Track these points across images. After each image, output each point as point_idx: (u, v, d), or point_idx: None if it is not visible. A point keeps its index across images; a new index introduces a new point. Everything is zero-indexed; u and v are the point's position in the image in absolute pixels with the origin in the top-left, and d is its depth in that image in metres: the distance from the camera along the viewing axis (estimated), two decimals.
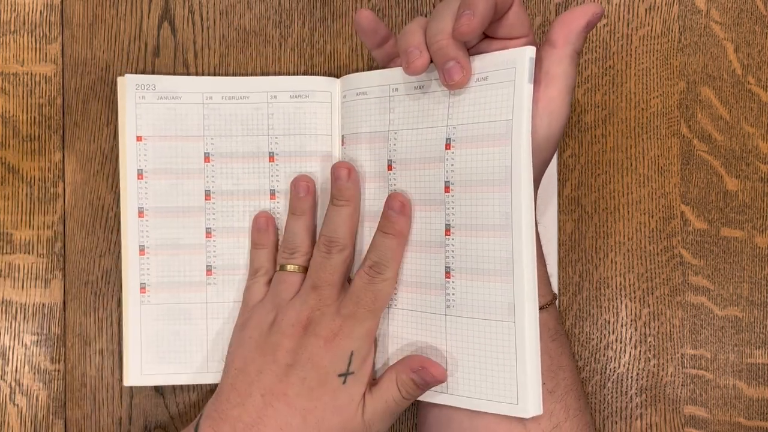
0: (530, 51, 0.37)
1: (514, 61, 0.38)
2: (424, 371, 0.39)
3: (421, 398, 0.41)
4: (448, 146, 0.40)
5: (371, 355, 0.41)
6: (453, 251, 0.40)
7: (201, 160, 0.46)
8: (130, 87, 0.46)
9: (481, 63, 0.39)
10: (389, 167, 0.42)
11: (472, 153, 0.39)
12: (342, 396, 0.39)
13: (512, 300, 0.38)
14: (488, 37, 0.39)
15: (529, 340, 0.37)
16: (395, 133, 0.42)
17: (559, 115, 0.38)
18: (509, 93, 0.38)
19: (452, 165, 0.40)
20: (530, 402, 0.37)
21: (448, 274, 0.40)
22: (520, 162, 0.37)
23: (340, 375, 0.39)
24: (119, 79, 0.46)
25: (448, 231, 0.40)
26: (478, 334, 0.39)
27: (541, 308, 0.39)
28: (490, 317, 0.38)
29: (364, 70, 0.48)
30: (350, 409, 0.39)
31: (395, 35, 0.43)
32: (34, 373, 0.47)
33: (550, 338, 0.40)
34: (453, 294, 0.40)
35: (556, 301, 0.42)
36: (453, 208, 0.40)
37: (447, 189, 0.40)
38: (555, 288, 0.47)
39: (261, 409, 0.38)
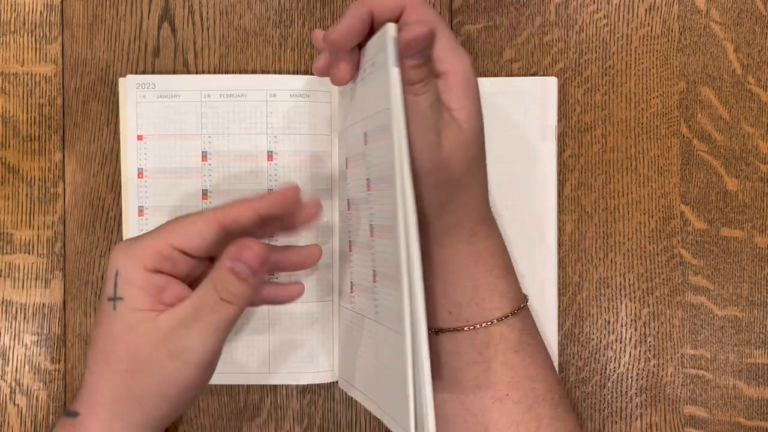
0: (391, 29, 0.33)
1: (383, 44, 0.34)
2: (242, 250, 0.34)
3: (344, 387, 0.39)
4: (365, 141, 0.38)
5: (151, 278, 0.36)
6: (374, 253, 0.38)
7: (198, 159, 0.46)
8: (131, 87, 0.46)
9: (371, 50, 0.37)
10: (346, 165, 0.43)
11: (379, 146, 0.36)
12: (116, 322, 0.35)
13: (401, 309, 0.33)
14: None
15: (416, 358, 0.33)
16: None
17: (465, 106, 0.36)
18: (384, 79, 0.34)
19: (370, 161, 0.38)
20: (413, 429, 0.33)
21: (374, 277, 0.38)
22: (401, 155, 0.34)
23: (109, 299, 0.36)
24: (120, 80, 0.47)
25: (371, 232, 0.38)
26: (389, 345, 0.36)
27: (499, 319, 0.38)
28: (392, 327, 0.35)
29: None
30: (131, 335, 0.35)
31: None
32: (34, 373, 0.47)
33: (512, 350, 0.39)
34: (377, 299, 0.38)
35: (527, 306, 0.41)
36: (371, 206, 0.38)
37: (368, 186, 0.38)
38: (555, 288, 0.47)
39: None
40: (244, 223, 0.36)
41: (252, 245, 0.35)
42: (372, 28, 0.37)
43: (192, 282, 0.38)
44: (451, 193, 0.37)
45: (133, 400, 0.35)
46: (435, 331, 0.39)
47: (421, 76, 0.35)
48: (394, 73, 0.34)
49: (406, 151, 0.34)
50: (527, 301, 0.41)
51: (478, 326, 0.38)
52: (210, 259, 0.39)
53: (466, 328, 0.39)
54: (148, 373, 0.35)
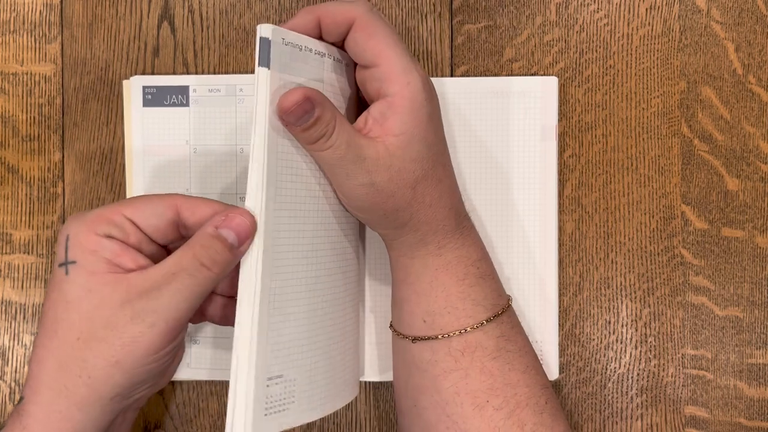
0: (264, 30, 0.34)
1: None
2: (231, 219, 0.34)
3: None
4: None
5: (103, 242, 0.34)
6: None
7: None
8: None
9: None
10: None
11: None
12: (69, 288, 0.33)
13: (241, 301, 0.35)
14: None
15: (239, 352, 0.34)
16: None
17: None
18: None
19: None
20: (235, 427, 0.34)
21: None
22: (252, 159, 0.35)
23: (60, 265, 0.34)
24: (125, 82, 0.46)
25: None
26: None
27: (473, 327, 0.39)
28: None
29: None
30: (88, 298, 0.33)
31: None
32: None
33: (490, 357, 0.38)
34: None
35: (507, 314, 0.41)
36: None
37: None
38: (555, 288, 0.46)
39: None
40: (200, 216, 0.35)
41: (243, 213, 0.34)
42: (321, 36, 0.38)
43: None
44: (405, 215, 0.38)
45: (81, 371, 0.33)
46: (412, 339, 0.40)
47: (317, 136, 0.35)
48: (261, 74, 0.34)
49: (260, 156, 0.35)
50: (508, 307, 0.41)
51: (452, 334, 0.39)
52: (163, 248, 0.37)
53: (440, 336, 0.39)
54: (104, 338, 0.32)
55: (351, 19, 0.37)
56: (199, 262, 0.33)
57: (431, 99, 0.38)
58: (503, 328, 0.40)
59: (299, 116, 0.34)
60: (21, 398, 0.34)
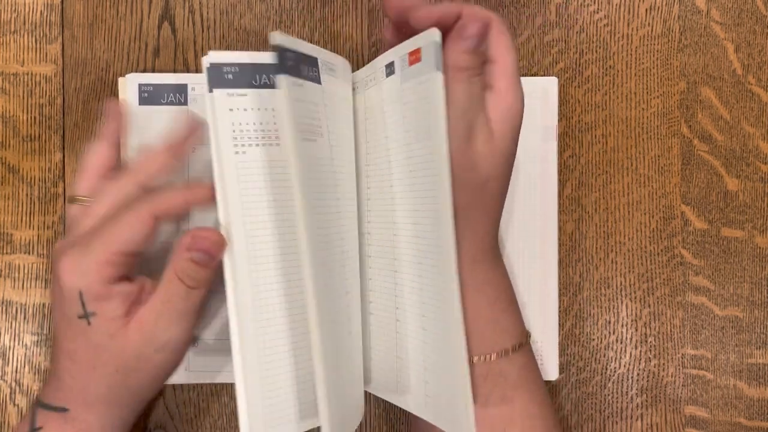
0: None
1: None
2: (198, 240, 0.37)
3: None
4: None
5: (118, 289, 0.37)
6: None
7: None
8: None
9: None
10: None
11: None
12: (94, 335, 0.37)
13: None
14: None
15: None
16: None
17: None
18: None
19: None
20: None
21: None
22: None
23: (80, 317, 0.37)
24: (120, 79, 0.46)
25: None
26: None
27: (499, 354, 0.38)
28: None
29: None
30: (114, 342, 0.37)
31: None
32: (34, 373, 0.47)
33: (511, 387, 0.38)
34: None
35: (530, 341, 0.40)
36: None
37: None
38: (555, 288, 0.46)
39: (55, 363, 0.39)
40: (176, 212, 0.38)
41: (206, 234, 0.37)
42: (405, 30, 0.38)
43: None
44: (458, 206, 0.37)
45: (128, 391, 0.38)
46: None
47: (469, 63, 0.36)
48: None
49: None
50: (529, 338, 0.40)
51: (476, 359, 0.38)
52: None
53: None
54: (140, 369, 0.37)
55: (490, 20, 0.37)
56: (186, 286, 0.37)
57: (521, 116, 0.38)
58: (525, 360, 0.39)
59: (476, 35, 0.36)
60: (60, 407, 0.38)
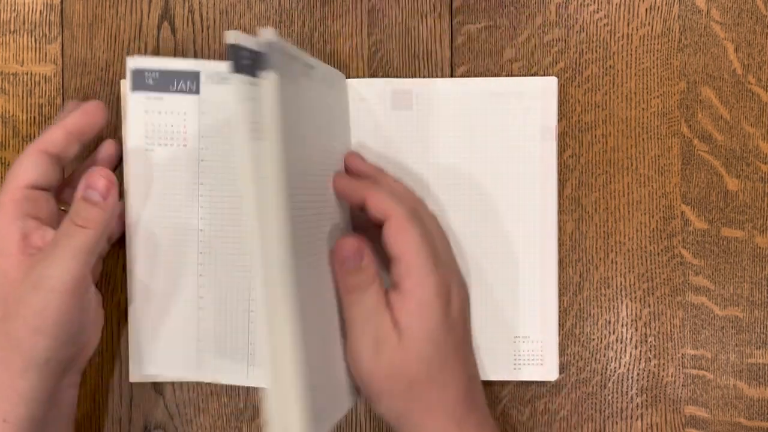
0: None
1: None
2: (91, 178, 0.39)
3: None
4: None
5: (16, 225, 0.38)
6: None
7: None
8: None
9: None
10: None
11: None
12: None
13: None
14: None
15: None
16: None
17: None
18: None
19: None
20: None
21: None
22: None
23: None
24: (122, 82, 0.46)
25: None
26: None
27: None
28: None
29: (364, 71, 0.48)
30: (3, 281, 0.38)
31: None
32: None
33: None
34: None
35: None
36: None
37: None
38: (555, 288, 0.46)
39: None
40: (60, 143, 0.40)
41: (100, 172, 0.39)
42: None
43: None
44: (397, 409, 0.37)
45: (12, 344, 0.36)
46: None
47: (355, 282, 0.37)
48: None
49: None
50: None
51: None
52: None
53: None
54: (19, 312, 0.36)
55: (389, 216, 0.38)
56: (74, 224, 0.37)
57: (447, 303, 0.38)
58: None
59: (354, 259, 0.38)
60: None
